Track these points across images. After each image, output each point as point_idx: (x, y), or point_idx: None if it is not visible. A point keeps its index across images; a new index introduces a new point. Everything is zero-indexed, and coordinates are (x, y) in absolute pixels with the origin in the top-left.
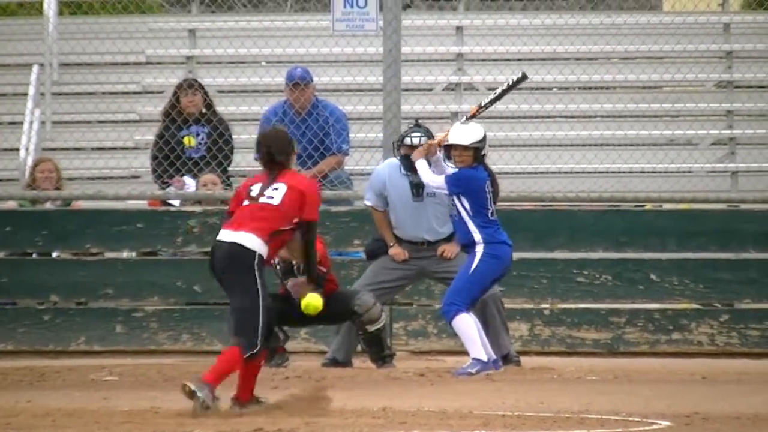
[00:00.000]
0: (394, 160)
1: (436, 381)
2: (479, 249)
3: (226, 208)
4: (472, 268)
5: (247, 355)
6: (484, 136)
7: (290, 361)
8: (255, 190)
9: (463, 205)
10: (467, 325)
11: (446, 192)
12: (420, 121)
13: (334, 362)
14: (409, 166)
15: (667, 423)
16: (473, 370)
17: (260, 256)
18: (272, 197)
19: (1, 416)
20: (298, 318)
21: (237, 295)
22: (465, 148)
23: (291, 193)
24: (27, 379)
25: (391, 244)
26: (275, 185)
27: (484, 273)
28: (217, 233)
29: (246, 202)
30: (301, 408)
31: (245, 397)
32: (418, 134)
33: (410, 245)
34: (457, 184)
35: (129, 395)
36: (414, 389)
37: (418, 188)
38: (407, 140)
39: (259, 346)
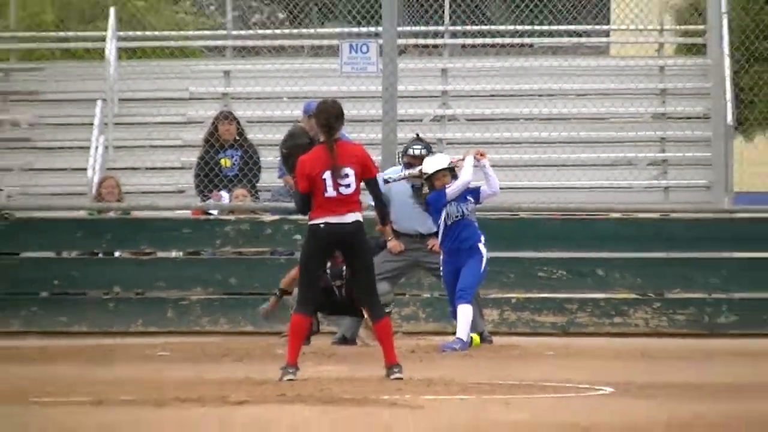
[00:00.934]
0: (397, 168)
1: (424, 356)
2: (483, 249)
3: (255, 216)
4: (483, 266)
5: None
6: None
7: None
8: (328, 180)
9: (470, 212)
10: (469, 312)
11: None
12: (419, 134)
13: (342, 341)
14: (410, 166)
15: (610, 389)
16: (457, 347)
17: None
18: (348, 185)
19: (82, 384)
20: (334, 307)
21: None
22: (444, 170)
23: (356, 169)
24: (97, 354)
25: (389, 238)
26: (345, 171)
27: (486, 270)
28: (247, 237)
29: (331, 194)
30: (316, 378)
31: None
32: (419, 146)
33: (406, 237)
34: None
35: (177, 367)
36: (406, 363)
37: (418, 191)
38: (410, 151)
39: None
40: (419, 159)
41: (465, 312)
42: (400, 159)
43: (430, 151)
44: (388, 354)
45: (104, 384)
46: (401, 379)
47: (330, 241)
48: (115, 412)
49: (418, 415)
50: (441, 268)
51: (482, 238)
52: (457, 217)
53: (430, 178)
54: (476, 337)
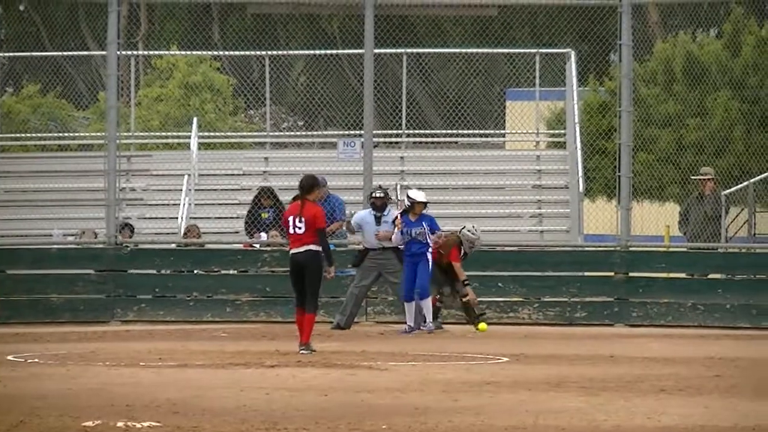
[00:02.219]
0: (367, 210)
1: (389, 338)
2: (429, 256)
3: (282, 248)
4: (430, 269)
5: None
6: None
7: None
8: (290, 223)
9: (427, 232)
10: (429, 304)
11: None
12: (381, 185)
13: (338, 327)
14: (374, 207)
15: (506, 359)
16: (433, 327)
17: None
18: (301, 228)
19: (165, 354)
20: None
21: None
22: (422, 204)
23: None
24: (182, 335)
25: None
26: (301, 217)
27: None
28: (278, 261)
29: (291, 231)
30: (320, 351)
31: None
32: (380, 192)
33: (373, 251)
34: (431, 223)
35: (233, 345)
36: (377, 342)
37: (378, 219)
38: (374, 194)
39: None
40: (379, 200)
41: (428, 303)
42: (368, 200)
43: (387, 196)
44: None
45: (186, 354)
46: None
47: (294, 264)
48: (192, 372)
49: (384, 375)
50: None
51: (429, 251)
52: (414, 235)
53: (414, 204)
54: (483, 326)
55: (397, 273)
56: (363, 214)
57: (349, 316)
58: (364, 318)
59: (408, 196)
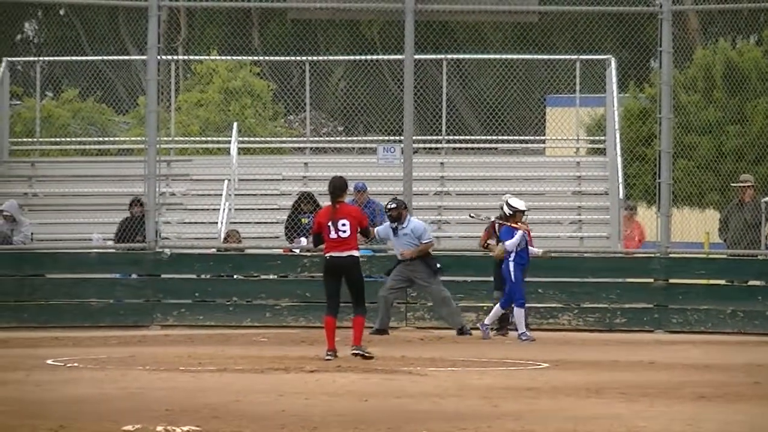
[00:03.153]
0: (386, 223)
1: (428, 343)
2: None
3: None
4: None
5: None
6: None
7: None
8: (331, 227)
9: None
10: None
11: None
12: (397, 197)
13: (377, 332)
14: (391, 219)
15: (546, 365)
16: (525, 338)
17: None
18: (345, 231)
19: (204, 358)
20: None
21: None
22: (522, 212)
23: (351, 222)
24: (222, 339)
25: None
26: (342, 222)
27: None
28: (317, 266)
29: (333, 236)
30: (361, 356)
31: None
32: (392, 203)
33: (402, 262)
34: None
35: (273, 349)
36: (417, 347)
37: (395, 231)
38: (388, 206)
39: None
40: (394, 211)
41: (521, 313)
42: (386, 210)
43: (400, 206)
44: (357, 338)
45: (226, 358)
46: (360, 354)
47: (334, 268)
48: (231, 376)
49: (423, 380)
50: (513, 271)
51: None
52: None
53: (515, 213)
54: None
55: (428, 280)
56: (385, 228)
57: (384, 319)
58: (404, 323)
59: (509, 205)
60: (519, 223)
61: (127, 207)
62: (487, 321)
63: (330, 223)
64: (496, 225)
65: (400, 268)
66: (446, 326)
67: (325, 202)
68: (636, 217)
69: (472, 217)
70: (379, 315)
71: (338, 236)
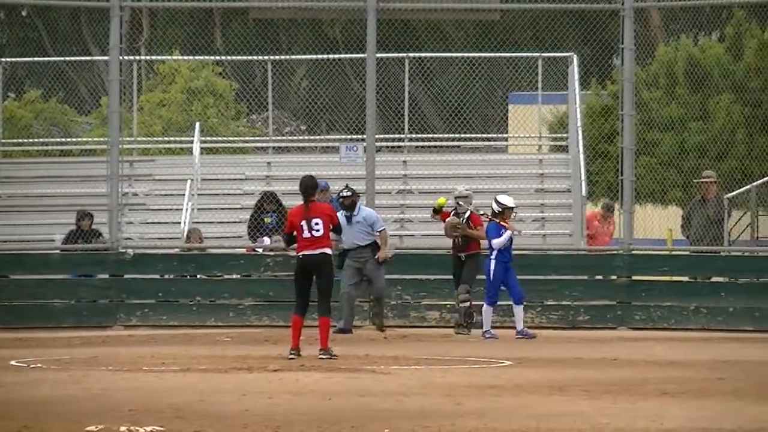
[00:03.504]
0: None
1: (392, 341)
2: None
3: (285, 252)
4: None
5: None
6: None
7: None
8: (305, 227)
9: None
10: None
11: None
12: (348, 185)
13: (341, 331)
14: (344, 207)
15: (509, 362)
16: (525, 336)
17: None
18: (318, 230)
19: (168, 358)
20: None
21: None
22: (511, 209)
23: (325, 218)
24: (185, 339)
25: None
26: (315, 221)
27: None
28: (280, 266)
29: (306, 235)
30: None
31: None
32: (347, 191)
33: (351, 251)
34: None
35: (236, 348)
36: (380, 346)
37: (349, 219)
38: (342, 193)
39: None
40: (347, 199)
41: (487, 311)
42: (337, 199)
43: (354, 194)
44: (323, 341)
45: (189, 358)
46: (326, 358)
47: (306, 266)
48: (195, 376)
49: (387, 378)
50: (493, 269)
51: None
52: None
53: (504, 210)
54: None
55: (375, 271)
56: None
57: (348, 318)
58: (367, 322)
59: (498, 202)
60: (508, 223)
61: (75, 220)
62: (486, 326)
63: (303, 222)
64: (484, 217)
65: (350, 260)
66: (409, 324)
67: (288, 201)
68: (613, 218)
69: (458, 205)
70: (343, 314)
71: (311, 235)
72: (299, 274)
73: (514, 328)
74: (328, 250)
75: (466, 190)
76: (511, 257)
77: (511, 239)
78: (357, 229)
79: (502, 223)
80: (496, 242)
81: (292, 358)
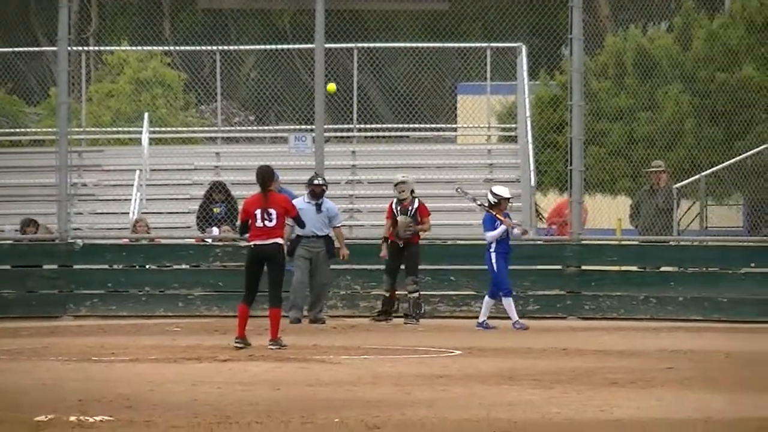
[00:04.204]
0: (302, 197)
1: (342, 332)
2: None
3: (234, 243)
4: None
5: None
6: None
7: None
8: (259, 215)
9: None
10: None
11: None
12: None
13: (297, 321)
14: (313, 195)
15: (459, 352)
16: (518, 327)
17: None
18: (272, 220)
19: (117, 348)
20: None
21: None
22: (507, 200)
23: (279, 211)
24: (135, 329)
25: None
26: (270, 211)
27: None
28: (229, 256)
29: (259, 224)
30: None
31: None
32: (320, 179)
33: (305, 239)
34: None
35: (186, 338)
36: (332, 336)
37: (318, 207)
38: (315, 180)
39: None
40: (319, 187)
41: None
42: (307, 186)
43: (325, 183)
44: (274, 332)
45: (139, 348)
46: (275, 349)
47: (257, 256)
48: (145, 366)
49: (336, 368)
50: (495, 260)
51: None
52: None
53: (500, 201)
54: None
55: (324, 262)
56: (298, 202)
57: (301, 309)
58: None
59: (494, 193)
60: (503, 217)
61: (19, 227)
62: (481, 318)
63: (258, 211)
64: (482, 209)
65: (302, 249)
66: (359, 314)
67: (237, 191)
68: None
69: (459, 191)
70: (297, 304)
71: (264, 225)
72: (250, 264)
73: (467, 317)
74: (280, 241)
75: (404, 176)
76: (510, 249)
77: (507, 231)
78: (319, 219)
79: (497, 215)
80: (489, 235)
81: (238, 347)
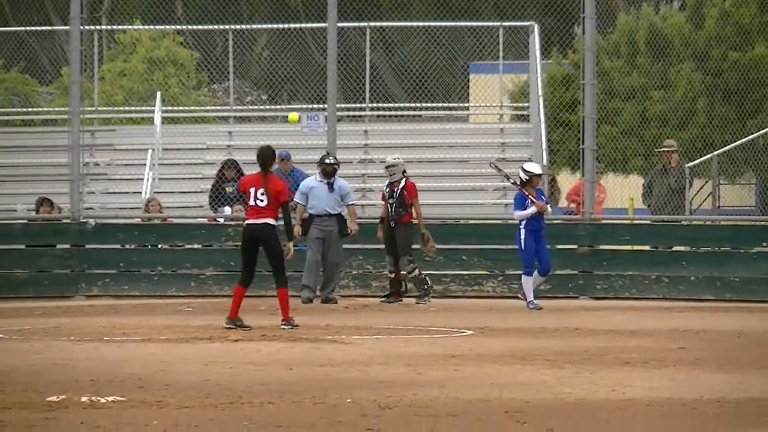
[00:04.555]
0: (314, 176)
1: (353, 311)
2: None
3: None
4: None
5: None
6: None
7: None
8: (252, 194)
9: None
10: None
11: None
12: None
13: (309, 301)
14: (325, 174)
15: (471, 332)
16: (532, 307)
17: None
18: (263, 201)
19: (129, 328)
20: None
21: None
22: (539, 176)
23: (272, 192)
24: (147, 309)
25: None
26: (261, 190)
27: None
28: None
29: (252, 203)
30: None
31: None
32: (331, 158)
33: (318, 218)
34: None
35: (198, 318)
36: (343, 315)
37: (330, 186)
38: (326, 159)
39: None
40: (330, 166)
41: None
42: (318, 164)
43: (337, 162)
44: (284, 312)
45: (151, 328)
46: (288, 329)
47: (250, 235)
48: (157, 346)
49: (348, 348)
50: (524, 238)
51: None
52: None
53: (531, 177)
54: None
55: (337, 241)
56: (310, 181)
57: (314, 288)
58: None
59: (525, 170)
60: (535, 195)
61: (34, 206)
62: (529, 297)
63: (253, 190)
64: (515, 186)
65: (315, 228)
66: (371, 294)
67: (249, 170)
68: (602, 185)
69: (493, 166)
70: (310, 283)
71: (256, 204)
72: (243, 243)
73: (479, 297)
74: (272, 221)
75: (395, 158)
76: (542, 226)
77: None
78: (331, 197)
79: (529, 194)
80: (518, 214)
81: (229, 328)
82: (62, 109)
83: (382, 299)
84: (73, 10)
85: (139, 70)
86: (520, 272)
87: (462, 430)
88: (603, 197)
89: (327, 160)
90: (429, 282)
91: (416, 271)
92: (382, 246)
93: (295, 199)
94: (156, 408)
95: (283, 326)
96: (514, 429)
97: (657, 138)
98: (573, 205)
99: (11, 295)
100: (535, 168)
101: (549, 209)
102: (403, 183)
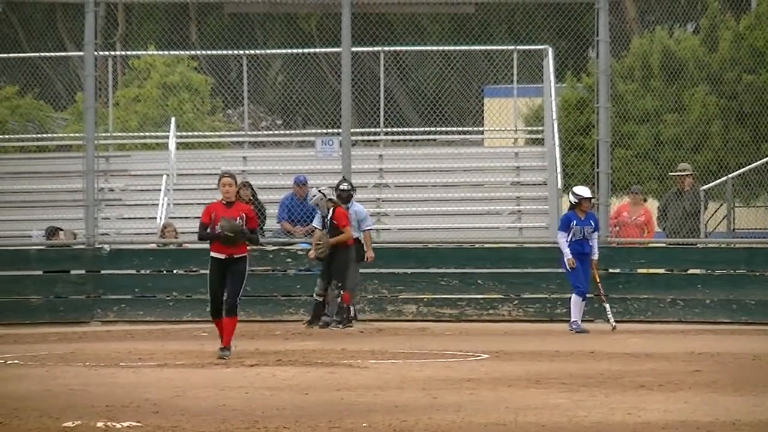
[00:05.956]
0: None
1: (368, 335)
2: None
3: (262, 247)
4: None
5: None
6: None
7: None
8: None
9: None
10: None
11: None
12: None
13: (326, 325)
14: (341, 199)
15: (486, 355)
16: (574, 327)
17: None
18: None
19: (145, 354)
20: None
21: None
22: (589, 200)
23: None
24: (162, 335)
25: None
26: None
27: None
28: (257, 260)
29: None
30: (301, 350)
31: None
32: (346, 184)
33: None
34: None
35: (213, 344)
36: (358, 340)
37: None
38: (341, 185)
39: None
40: (345, 192)
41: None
42: (334, 190)
43: (352, 188)
44: (225, 339)
45: (166, 354)
46: (223, 359)
47: (219, 265)
48: (172, 372)
49: (364, 373)
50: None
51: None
52: (586, 234)
53: (580, 201)
54: None
55: (354, 266)
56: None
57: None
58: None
59: (574, 193)
60: (568, 257)
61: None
62: (573, 317)
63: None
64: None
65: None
66: (386, 318)
67: (263, 195)
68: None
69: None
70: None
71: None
72: (213, 272)
73: (494, 320)
74: (242, 253)
75: (313, 196)
76: (585, 250)
77: (582, 231)
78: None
79: (579, 212)
80: (558, 236)
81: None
82: (77, 134)
83: (305, 324)
84: (87, 36)
85: (154, 95)
86: (535, 296)
87: None
88: (642, 220)
89: (342, 186)
90: (354, 315)
91: (339, 299)
92: (397, 270)
93: (313, 224)
94: None
95: (219, 355)
96: None
97: (671, 161)
98: (614, 229)
99: (27, 320)
100: (584, 192)
101: (573, 263)
102: (331, 213)
